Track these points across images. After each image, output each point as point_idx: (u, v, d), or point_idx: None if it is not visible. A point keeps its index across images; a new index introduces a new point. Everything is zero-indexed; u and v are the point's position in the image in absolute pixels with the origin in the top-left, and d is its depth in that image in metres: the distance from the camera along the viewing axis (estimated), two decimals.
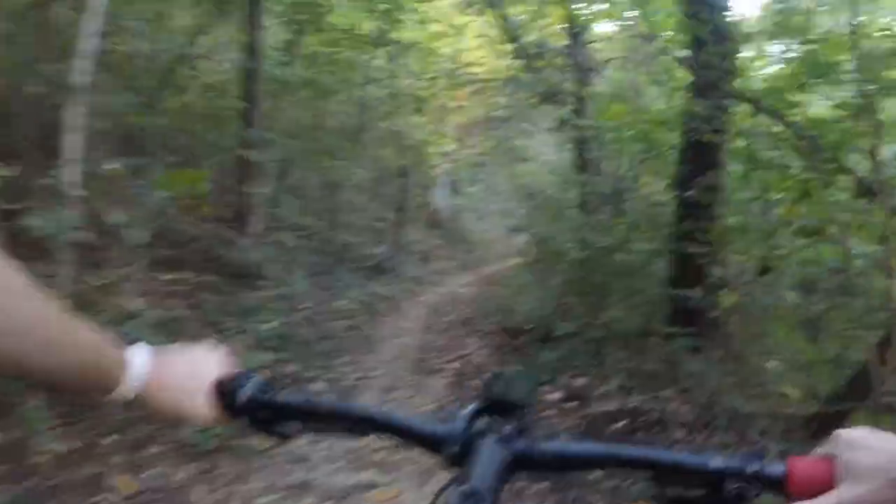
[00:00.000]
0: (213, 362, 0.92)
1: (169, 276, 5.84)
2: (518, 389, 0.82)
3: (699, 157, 5.55)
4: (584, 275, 8.28)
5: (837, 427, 0.76)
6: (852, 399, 4.01)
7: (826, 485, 0.70)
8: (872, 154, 4.33)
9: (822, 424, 3.89)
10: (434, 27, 12.98)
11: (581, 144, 11.10)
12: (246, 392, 0.87)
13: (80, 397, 3.58)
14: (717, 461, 0.72)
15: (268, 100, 8.79)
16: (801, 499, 0.70)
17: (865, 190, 4.47)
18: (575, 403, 5.10)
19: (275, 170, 8.85)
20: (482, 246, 19.83)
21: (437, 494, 0.75)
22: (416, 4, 10.99)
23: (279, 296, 6.28)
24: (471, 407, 0.82)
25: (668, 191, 6.27)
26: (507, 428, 0.78)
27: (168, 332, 5.14)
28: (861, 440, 0.71)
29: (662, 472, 0.76)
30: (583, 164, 11.09)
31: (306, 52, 9.67)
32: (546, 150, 19.20)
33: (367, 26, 10.02)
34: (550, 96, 13.03)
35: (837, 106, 4.75)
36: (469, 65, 15.65)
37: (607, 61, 11.96)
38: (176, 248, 6.36)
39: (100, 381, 0.80)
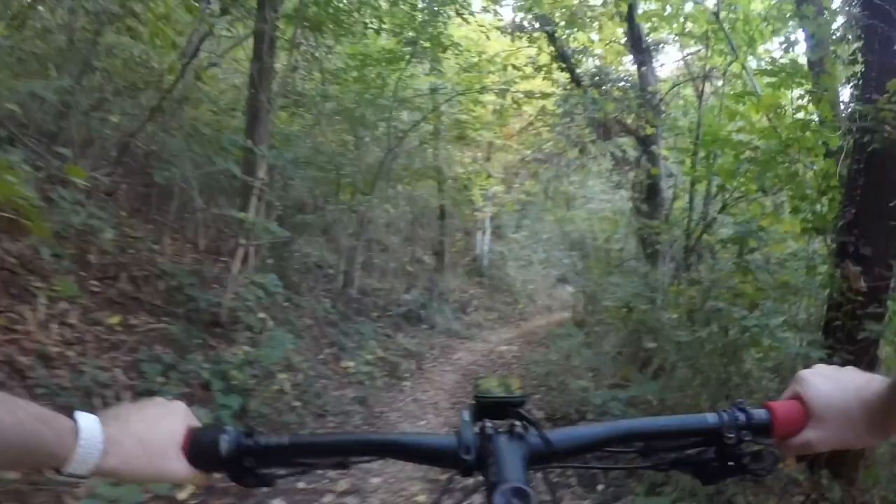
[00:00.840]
0: (173, 418, 0.82)
1: (114, 321, 4.43)
2: (506, 388, 0.83)
3: (880, 184, 3.58)
4: (649, 350, 6.69)
5: None
6: None
7: (801, 423, 0.79)
8: None
9: None
10: (476, 53, 11.62)
11: (648, 182, 9.58)
12: (228, 441, 0.80)
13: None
14: (711, 418, 0.80)
15: (280, 116, 7.50)
16: (785, 437, 0.79)
17: None
18: None
19: (281, 198, 7.47)
20: (525, 297, 18.19)
21: (440, 495, 0.83)
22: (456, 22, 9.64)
23: (251, 358, 4.81)
24: (467, 414, 0.81)
25: (809, 239, 4.29)
26: (517, 426, 0.79)
27: (88, 401, 3.73)
28: (822, 380, 0.80)
29: (665, 438, 0.82)
30: (649, 206, 9.55)
31: (328, 65, 8.36)
32: (598, 195, 17.78)
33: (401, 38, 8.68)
34: (611, 128, 11.64)
35: None
36: (515, 99, 14.37)
37: (678, 84, 10.39)
38: (134, 284, 4.98)
39: (49, 459, 0.70)
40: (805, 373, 0.81)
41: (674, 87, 10.53)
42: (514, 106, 14.85)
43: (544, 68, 11.66)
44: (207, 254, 6.36)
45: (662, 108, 9.98)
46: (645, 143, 9.49)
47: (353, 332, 7.63)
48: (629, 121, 10.57)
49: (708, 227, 8.18)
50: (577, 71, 11.36)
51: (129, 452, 0.76)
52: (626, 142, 11.78)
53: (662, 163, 9.34)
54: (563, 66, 11.27)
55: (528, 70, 12.04)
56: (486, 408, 0.81)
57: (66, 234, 4.50)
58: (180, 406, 0.84)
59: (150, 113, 5.76)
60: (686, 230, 8.66)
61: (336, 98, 8.17)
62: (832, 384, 0.79)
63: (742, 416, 0.79)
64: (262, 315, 5.47)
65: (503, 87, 11.75)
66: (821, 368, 0.82)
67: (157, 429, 0.80)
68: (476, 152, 15.67)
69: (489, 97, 13.26)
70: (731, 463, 0.79)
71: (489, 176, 16.52)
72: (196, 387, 4.35)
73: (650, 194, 9.46)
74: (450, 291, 13.95)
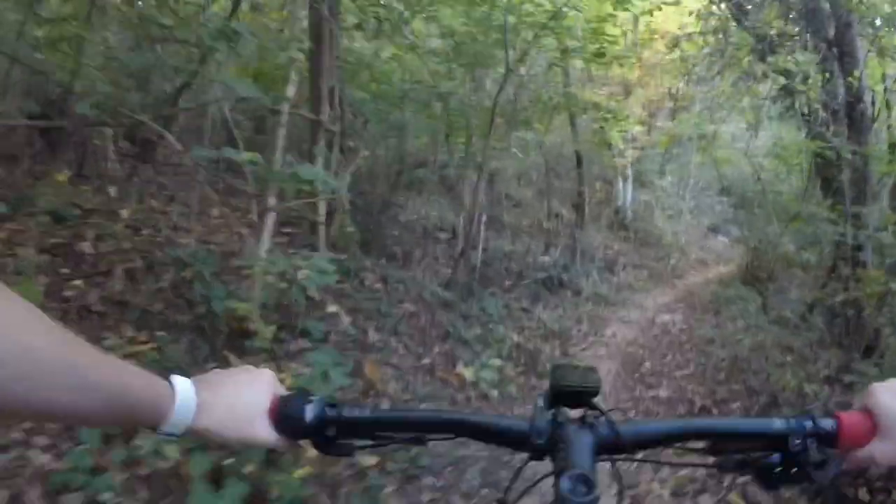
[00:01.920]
0: (261, 385, 0.85)
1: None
2: (583, 377, 0.83)
3: None
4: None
5: None
6: None
7: (868, 436, 0.79)
8: None
9: None
10: None
11: (847, 100, 7.46)
12: (313, 410, 0.83)
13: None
14: (779, 423, 0.80)
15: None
16: (850, 449, 0.79)
17: None
18: None
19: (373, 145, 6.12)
20: (676, 250, 16.07)
21: (512, 480, 0.84)
22: None
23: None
24: (543, 399, 0.82)
25: None
26: (590, 414, 0.80)
27: None
28: (894, 395, 0.79)
29: (733, 439, 0.83)
30: (849, 132, 7.46)
31: None
32: (752, 134, 15.31)
33: None
34: (775, 46, 9.42)
35: None
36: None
37: None
38: (131, 280, 3.75)
39: (147, 418, 0.75)
40: (877, 386, 0.80)
41: None
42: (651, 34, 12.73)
43: None
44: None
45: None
46: (837, 44, 7.32)
47: (477, 314, 6.16)
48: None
49: None
50: None
51: (220, 417, 0.79)
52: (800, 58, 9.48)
53: (863, 72, 7.19)
54: None
55: None
56: (561, 395, 0.81)
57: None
58: (268, 374, 0.87)
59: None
60: None
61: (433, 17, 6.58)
62: None
63: (809, 424, 0.79)
64: (333, 308, 4.10)
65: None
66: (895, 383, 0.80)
67: (246, 395, 0.83)
68: (612, 87, 13.67)
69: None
70: (794, 469, 0.78)
71: (627, 117, 14.41)
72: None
73: (849, 115, 7.34)
74: (593, 249, 12.25)
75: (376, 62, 7.08)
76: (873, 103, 8.53)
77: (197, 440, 0.86)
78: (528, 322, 6.99)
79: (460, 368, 4.73)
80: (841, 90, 7.63)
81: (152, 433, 0.77)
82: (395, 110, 7.05)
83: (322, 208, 4.84)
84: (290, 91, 4.17)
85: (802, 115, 9.86)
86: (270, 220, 3.69)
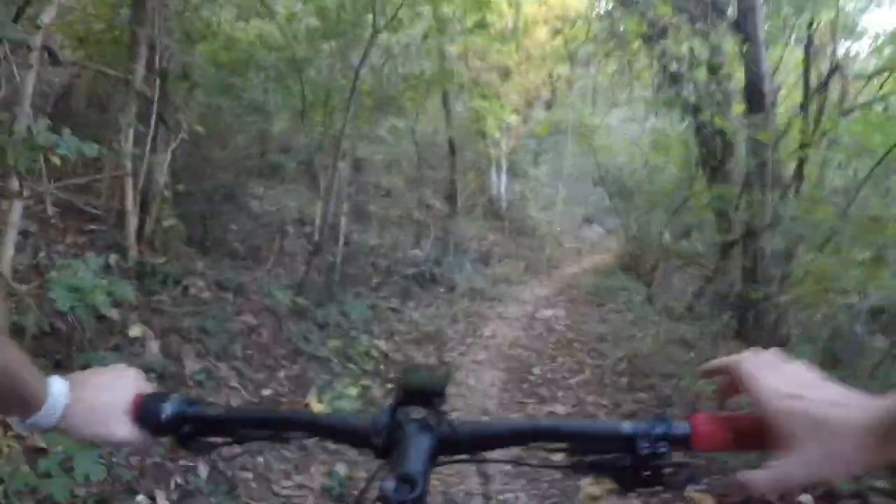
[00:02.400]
0: (127, 383, 0.88)
1: None
2: (430, 377, 0.85)
3: None
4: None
5: None
6: None
7: (723, 435, 0.73)
8: None
9: None
10: None
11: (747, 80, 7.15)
12: (170, 408, 0.85)
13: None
14: (627, 426, 0.76)
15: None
16: (706, 450, 0.73)
17: None
18: None
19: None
20: (551, 240, 15.77)
21: (367, 485, 0.80)
22: None
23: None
24: (391, 400, 0.82)
25: None
26: (428, 415, 0.79)
27: None
28: (775, 377, 0.68)
29: (580, 441, 0.80)
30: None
31: None
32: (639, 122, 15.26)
33: None
34: (657, 35, 9.08)
35: None
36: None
37: None
38: None
39: (19, 405, 0.79)
40: (752, 370, 0.69)
41: None
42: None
43: None
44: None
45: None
46: (740, 29, 6.95)
47: (337, 321, 5.24)
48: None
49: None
50: None
51: (82, 415, 0.83)
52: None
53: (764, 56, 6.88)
54: None
55: None
56: (408, 395, 0.81)
57: None
58: (133, 373, 0.90)
59: None
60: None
61: None
62: (790, 387, 0.65)
63: (660, 427, 0.75)
64: (136, 331, 3.08)
65: None
66: (764, 358, 0.71)
67: (108, 394, 0.85)
68: (490, 71, 13.05)
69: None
70: (646, 473, 0.76)
71: (503, 106, 13.78)
72: None
73: (749, 100, 7.04)
74: (467, 240, 11.60)
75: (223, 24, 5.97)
76: (779, 88, 8.38)
77: (62, 433, 0.82)
78: (398, 324, 6.14)
79: (311, 398, 3.76)
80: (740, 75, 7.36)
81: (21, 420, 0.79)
82: (248, 83, 5.97)
83: (130, 195, 3.75)
84: (47, 15, 2.90)
85: (689, 104, 9.63)
86: (16, 212, 2.60)
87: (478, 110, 11.80)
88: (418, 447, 0.76)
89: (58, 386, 0.80)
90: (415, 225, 10.21)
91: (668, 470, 0.75)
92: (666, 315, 7.49)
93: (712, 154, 8.76)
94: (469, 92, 10.75)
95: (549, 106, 17.82)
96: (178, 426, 0.84)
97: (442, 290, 8.22)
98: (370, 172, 10.56)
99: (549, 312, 7.84)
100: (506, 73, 13.51)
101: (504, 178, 16.16)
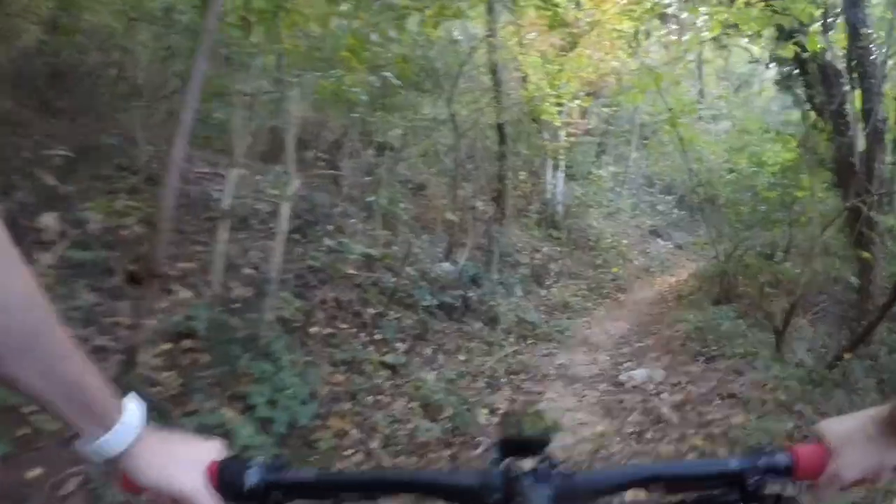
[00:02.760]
0: (207, 447, 0.82)
1: None
2: (534, 426, 0.82)
3: None
4: None
5: None
6: None
7: (824, 463, 0.79)
8: None
9: None
10: None
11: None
12: (255, 476, 0.80)
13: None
14: (735, 463, 0.79)
15: None
16: (809, 479, 0.79)
17: None
18: None
19: None
20: (616, 255, 13.03)
21: None
22: None
23: None
24: (494, 452, 0.81)
25: None
26: (542, 466, 0.77)
27: None
28: (841, 420, 0.81)
29: (689, 482, 0.81)
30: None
31: None
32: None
33: None
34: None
35: None
36: None
37: None
38: None
39: (88, 420, 0.69)
40: (827, 420, 0.82)
41: None
42: None
43: None
44: None
45: None
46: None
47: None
48: None
49: None
50: None
51: (159, 460, 0.74)
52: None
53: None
54: None
55: None
56: (513, 447, 0.80)
57: None
58: (217, 442, 0.83)
59: None
60: None
61: None
62: (850, 420, 0.80)
63: (765, 460, 0.78)
64: None
65: None
66: (843, 419, 0.82)
67: (189, 451, 0.79)
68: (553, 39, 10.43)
69: None
70: None
71: (561, 95, 10.92)
72: None
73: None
74: (516, 252, 9.01)
75: None
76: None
77: (129, 472, 0.70)
78: (385, 408, 3.56)
79: None
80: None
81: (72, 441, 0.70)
82: None
83: None
84: None
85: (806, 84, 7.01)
86: None
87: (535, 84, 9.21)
88: (541, 499, 0.73)
89: (132, 410, 0.71)
90: (451, 229, 7.65)
91: (771, 501, 0.76)
92: (800, 379, 4.77)
93: (846, 149, 6.10)
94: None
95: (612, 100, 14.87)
96: (265, 495, 0.78)
97: (478, 324, 5.68)
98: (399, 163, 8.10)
99: (638, 374, 5.00)
100: (571, 44, 10.81)
101: (561, 178, 13.51)
